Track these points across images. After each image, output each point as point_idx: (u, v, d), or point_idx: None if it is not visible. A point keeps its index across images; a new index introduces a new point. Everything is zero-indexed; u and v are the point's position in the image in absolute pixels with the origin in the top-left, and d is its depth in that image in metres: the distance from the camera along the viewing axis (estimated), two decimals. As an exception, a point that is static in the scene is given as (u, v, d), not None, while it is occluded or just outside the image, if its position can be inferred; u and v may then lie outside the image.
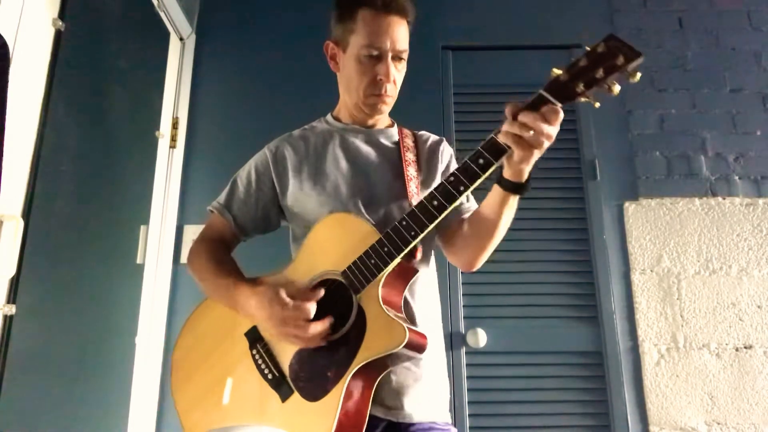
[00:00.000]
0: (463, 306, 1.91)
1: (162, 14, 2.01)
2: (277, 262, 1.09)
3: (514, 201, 0.98)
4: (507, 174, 0.93)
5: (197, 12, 2.24)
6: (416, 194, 1.10)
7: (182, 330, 1.11)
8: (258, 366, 1.00)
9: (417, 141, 1.22)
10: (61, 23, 1.37)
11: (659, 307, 1.90)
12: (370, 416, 0.95)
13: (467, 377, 1.84)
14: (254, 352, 1.01)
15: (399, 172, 1.13)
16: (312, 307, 0.93)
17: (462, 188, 0.91)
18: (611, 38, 0.85)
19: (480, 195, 1.05)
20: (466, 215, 1.12)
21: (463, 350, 1.87)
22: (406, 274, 1.00)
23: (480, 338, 1.86)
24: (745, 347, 1.86)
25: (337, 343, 0.94)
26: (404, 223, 0.94)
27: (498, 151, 0.88)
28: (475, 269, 1.12)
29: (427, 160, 1.19)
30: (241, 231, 1.18)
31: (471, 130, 2.07)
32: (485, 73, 2.18)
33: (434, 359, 1.08)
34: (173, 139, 2.07)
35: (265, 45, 2.23)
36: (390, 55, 1.08)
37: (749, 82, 2.16)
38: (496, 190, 0.97)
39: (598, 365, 1.85)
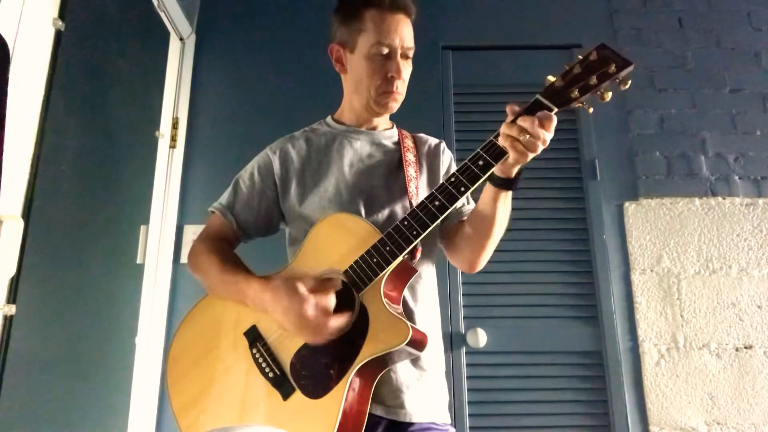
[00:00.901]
0: (463, 306, 1.92)
1: (162, 14, 2.01)
2: (275, 264, 1.09)
3: (506, 196, 1.00)
4: (497, 171, 0.95)
5: (197, 12, 2.24)
6: (416, 195, 1.11)
7: (178, 328, 1.10)
8: (258, 365, 1.00)
9: (416, 142, 1.23)
10: (61, 23, 1.37)
11: (659, 307, 1.90)
12: (371, 415, 0.96)
13: (467, 377, 1.84)
14: (254, 351, 1.01)
15: (400, 172, 1.14)
16: (332, 300, 0.93)
17: (463, 189, 0.93)
18: (603, 47, 0.91)
19: (478, 196, 1.05)
20: (465, 217, 1.13)
21: (463, 350, 1.87)
22: (406, 273, 1.01)
23: (480, 338, 1.86)
24: (745, 347, 1.86)
25: (339, 341, 0.95)
26: (406, 222, 0.96)
27: (498, 153, 0.91)
28: (476, 270, 1.13)
29: (427, 162, 1.20)
30: (243, 232, 1.17)
31: (471, 130, 2.07)
32: (485, 73, 2.18)
33: (434, 359, 1.09)
34: (173, 139, 2.07)
35: (265, 45, 2.23)
36: (399, 52, 1.11)
37: (749, 82, 2.16)
38: (488, 187, 0.99)
39: (598, 365, 1.85)
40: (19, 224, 1.18)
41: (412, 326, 0.92)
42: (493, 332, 1.88)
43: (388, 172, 1.15)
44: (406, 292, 1.03)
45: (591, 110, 0.93)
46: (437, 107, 2.12)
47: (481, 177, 0.93)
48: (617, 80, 0.89)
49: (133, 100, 1.81)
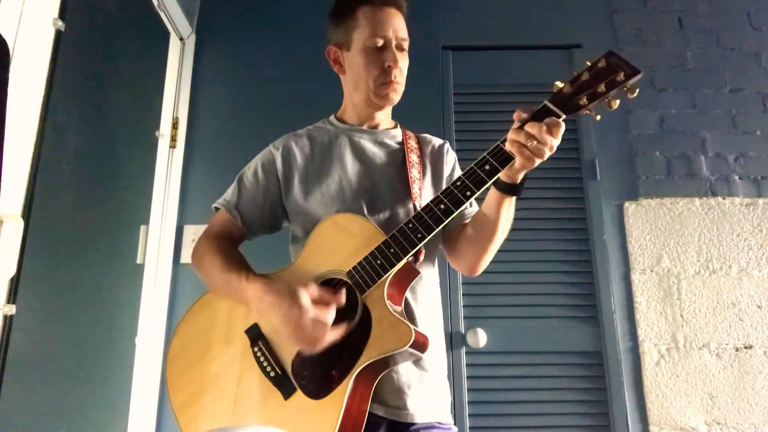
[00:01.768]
0: (463, 306, 1.91)
1: (162, 14, 2.01)
2: (278, 262, 1.09)
3: (510, 202, 1.00)
4: (503, 176, 0.95)
5: (197, 12, 2.25)
6: (419, 196, 1.11)
7: (178, 325, 1.09)
8: (260, 363, 0.99)
9: (420, 143, 1.23)
10: (61, 23, 1.37)
11: (659, 307, 1.90)
12: (372, 415, 0.96)
13: (467, 377, 1.84)
14: (255, 349, 1.01)
15: (403, 173, 1.14)
16: (331, 316, 0.92)
17: (469, 193, 0.93)
18: (611, 54, 0.91)
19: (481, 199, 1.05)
20: (468, 220, 1.13)
21: (463, 350, 1.87)
22: (409, 275, 1.01)
23: (480, 338, 1.86)
24: (745, 347, 1.86)
25: (341, 343, 0.94)
26: (410, 225, 0.96)
27: (504, 158, 0.92)
28: (477, 274, 1.13)
29: (431, 162, 1.20)
30: (248, 229, 1.17)
31: (471, 130, 2.07)
32: (485, 73, 2.18)
33: (436, 359, 1.09)
34: (173, 139, 2.07)
35: (264, 45, 2.23)
36: (394, 43, 1.13)
37: (749, 82, 2.16)
38: (492, 192, 0.99)
39: (598, 365, 1.85)
40: (19, 224, 1.18)
41: (414, 329, 0.91)
42: (493, 332, 1.88)
43: (391, 172, 1.15)
44: (408, 294, 1.03)
45: (598, 117, 0.93)
46: (437, 107, 2.12)
47: (487, 182, 0.93)
48: (625, 88, 0.89)
49: (133, 100, 1.81)
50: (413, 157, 1.17)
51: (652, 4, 2.28)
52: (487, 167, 0.92)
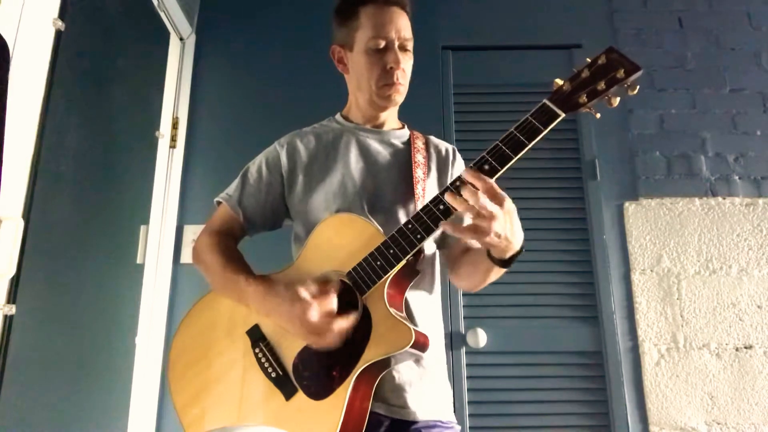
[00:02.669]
0: (463, 306, 1.92)
1: (162, 14, 2.01)
2: (279, 260, 1.09)
3: (499, 270, 1.01)
4: (492, 251, 0.95)
5: (197, 12, 2.24)
6: (422, 197, 1.10)
7: (180, 326, 1.10)
8: (261, 364, 0.99)
9: (428, 143, 1.22)
10: (61, 23, 1.37)
11: (659, 307, 1.90)
12: (373, 413, 0.96)
13: (467, 377, 1.84)
14: (257, 350, 1.01)
15: (407, 173, 1.13)
16: (334, 302, 0.93)
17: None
18: (612, 51, 0.90)
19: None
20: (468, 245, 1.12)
21: (463, 350, 1.87)
22: (409, 275, 1.01)
23: (480, 338, 1.86)
24: (745, 347, 1.86)
25: (342, 343, 0.94)
26: (410, 226, 0.95)
27: (503, 157, 0.90)
28: (475, 292, 1.15)
29: (437, 164, 1.19)
30: (249, 225, 1.17)
31: (471, 130, 2.07)
32: (485, 73, 2.18)
33: (436, 358, 1.09)
34: (173, 139, 2.07)
35: (265, 45, 2.23)
36: (396, 44, 1.11)
37: (749, 82, 2.16)
38: (485, 259, 0.99)
39: (598, 365, 1.85)
40: (19, 224, 1.18)
41: (414, 329, 0.91)
42: (493, 332, 1.88)
43: (395, 172, 1.14)
44: (408, 293, 1.03)
45: (598, 115, 0.91)
46: (437, 107, 2.12)
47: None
48: (625, 85, 0.88)
49: (133, 100, 1.81)
50: (419, 158, 1.16)
51: (652, 4, 2.28)
52: (486, 167, 0.91)
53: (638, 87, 0.88)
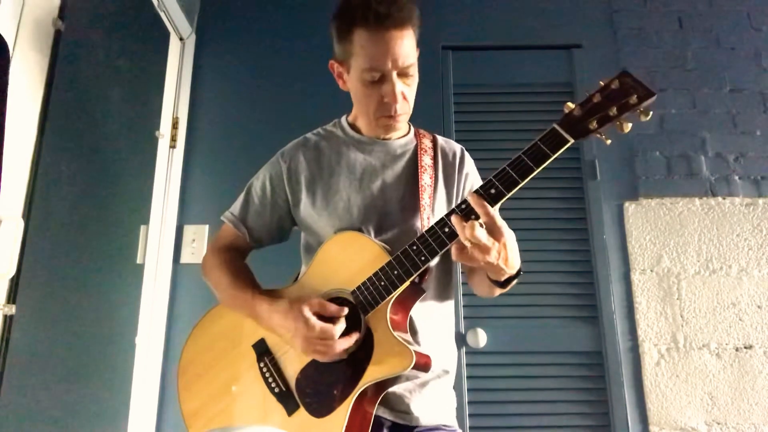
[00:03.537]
0: (463, 306, 1.91)
1: (162, 14, 2.01)
2: (286, 267, 1.10)
3: (500, 290, 1.02)
4: (488, 273, 0.95)
5: (197, 12, 2.24)
6: (428, 206, 1.08)
7: (190, 336, 1.12)
8: (265, 379, 1.01)
9: (435, 144, 1.18)
10: (61, 23, 1.37)
11: (659, 307, 1.90)
12: (376, 416, 0.97)
13: (467, 377, 1.84)
14: (261, 365, 1.02)
15: (414, 185, 1.10)
16: (339, 328, 0.94)
17: (474, 216, 0.89)
18: (625, 75, 0.87)
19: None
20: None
21: (463, 350, 1.87)
22: (413, 296, 1.01)
23: (480, 338, 1.86)
24: (745, 347, 1.86)
25: (345, 362, 0.96)
26: (415, 247, 0.94)
27: (510, 182, 0.89)
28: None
29: (444, 168, 1.15)
30: (256, 243, 1.18)
31: (471, 130, 2.07)
32: (485, 73, 2.18)
33: (443, 369, 1.09)
34: (173, 139, 2.07)
35: (265, 45, 2.23)
36: (394, 74, 1.01)
37: (749, 82, 2.16)
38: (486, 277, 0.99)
39: (598, 365, 1.85)
40: (19, 224, 1.18)
41: (415, 351, 0.91)
42: (493, 332, 1.88)
43: (402, 186, 1.11)
44: (414, 309, 1.02)
45: (609, 142, 0.89)
46: (437, 107, 2.11)
47: (493, 206, 0.89)
48: (638, 111, 0.85)
49: (133, 100, 1.81)
50: (426, 160, 1.12)
51: (652, 4, 2.28)
52: (492, 191, 0.89)
53: (651, 113, 0.85)
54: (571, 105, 0.89)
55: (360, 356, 0.95)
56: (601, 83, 0.89)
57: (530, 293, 1.91)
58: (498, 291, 1.03)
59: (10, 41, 1.17)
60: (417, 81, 1.07)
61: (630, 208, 2.02)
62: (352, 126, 1.19)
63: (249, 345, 1.05)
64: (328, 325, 0.93)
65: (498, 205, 0.90)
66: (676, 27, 2.25)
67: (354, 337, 0.95)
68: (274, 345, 1.03)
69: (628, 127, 0.87)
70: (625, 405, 1.80)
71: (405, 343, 0.93)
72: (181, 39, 2.17)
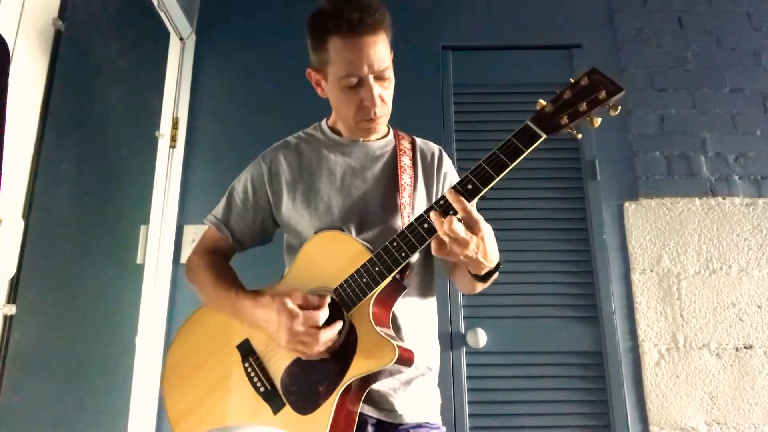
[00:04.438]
0: (463, 306, 1.91)
1: (162, 14, 2.01)
2: (270, 269, 1.10)
3: (482, 284, 1.02)
4: (468, 267, 0.96)
5: (197, 12, 2.24)
6: (408, 205, 1.10)
7: (175, 337, 1.13)
8: (250, 378, 1.01)
9: (414, 145, 1.21)
10: (61, 23, 1.37)
11: (659, 307, 1.90)
12: (360, 414, 0.98)
13: (467, 377, 1.84)
14: (246, 364, 1.03)
15: (393, 184, 1.13)
16: (323, 314, 0.95)
17: (452, 212, 0.91)
18: (594, 72, 0.91)
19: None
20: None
21: (463, 350, 1.87)
22: (395, 292, 1.02)
23: (480, 338, 1.86)
24: (745, 347, 1.86)
25: (328, 359, 0.97)
26: (395, 243, 0.96)
27: (486, 177, 0.91)
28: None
29: (423, 168, 1.18)
30: (239, 245, 1.20)
31: (471, 130, 2.07)
32: (485, 73, 2.18)
33: (427, 366, 1.09)
34: (173, 139, 2.07)
35: (265, 45, 2.23)
36: (371, 78, 1.03)
37: (749, 82, 2.16)
38: (467, 272, 1.00)
39: (598, 365, 1.85)
40: (19, 224, 1.18)
41: (398, 346, 0.93)
42: (493, 332, 1.88)
43: (381, 186, 1.13)
44: (396, 305, 1.03)
45: (580, 136, 0.92)
46: (437, 107, 2.11)
47: (470, 200, 0.91)
48: (607, 106, 0.89)
49: (133, 100, 1.81)
50: (405, 161, 1.15)
51: (652, 4, 2.28)
52: (469, 186, 0.91)
53: (619, 108, 0.89)
54: (543, 102, 0.93)
55: (344, 353, 0.96)
56: (572, 80, 0.92)
57: (530, 293, 1.91)
58: (480, 286, 1.04)
59: (10, 41, 1.17)
60: (393, 83, 1.09)
61: (630, 208, 2.02)
62: (332, 129, 1.21)
63: (233, 346, 1.05)
64: (311, 312, 0.94)
65: (475, 200, 0.92)
66: (676, 27, 2.25)
67: (337, 326, 0.95)
68: (258, 345, 1.04)
69: (597, 122, 0.90)
70: (625, 405, 1.80)
71: (388, 338, 0.94)
72: (181, 39, 2.17)
